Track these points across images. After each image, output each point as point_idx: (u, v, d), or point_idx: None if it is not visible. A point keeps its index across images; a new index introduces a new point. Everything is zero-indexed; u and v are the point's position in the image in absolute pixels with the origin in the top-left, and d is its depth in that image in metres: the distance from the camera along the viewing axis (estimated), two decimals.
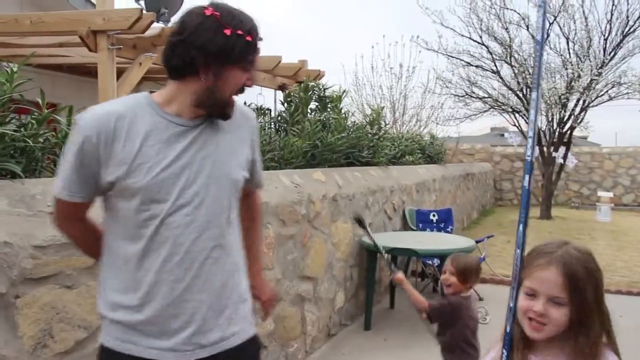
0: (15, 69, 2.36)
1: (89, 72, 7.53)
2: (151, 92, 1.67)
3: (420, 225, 6.81)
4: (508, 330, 1.42)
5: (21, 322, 2.04)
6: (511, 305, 1.41)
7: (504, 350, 1.42)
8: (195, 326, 1.60)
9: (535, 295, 1.36)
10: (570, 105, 12.72)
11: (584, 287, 1.33)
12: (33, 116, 2.45)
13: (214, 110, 1.61)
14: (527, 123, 12.08)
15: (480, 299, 5.92)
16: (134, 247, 1.58)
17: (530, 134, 1.46)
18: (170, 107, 1.61)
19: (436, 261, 5.88)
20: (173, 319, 1.59)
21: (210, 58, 1.54)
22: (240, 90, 1.64)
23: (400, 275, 3.14)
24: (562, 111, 12.67)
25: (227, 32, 1.53)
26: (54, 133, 2.60)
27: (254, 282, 1.93)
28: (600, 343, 1.35)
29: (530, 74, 12.18)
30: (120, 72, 4.87)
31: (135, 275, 1.59)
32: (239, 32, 1.54)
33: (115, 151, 1.54)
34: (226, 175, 1.67)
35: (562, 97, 12.27)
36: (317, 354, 4.39)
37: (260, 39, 1.61)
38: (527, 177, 1.50)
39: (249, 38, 1.56)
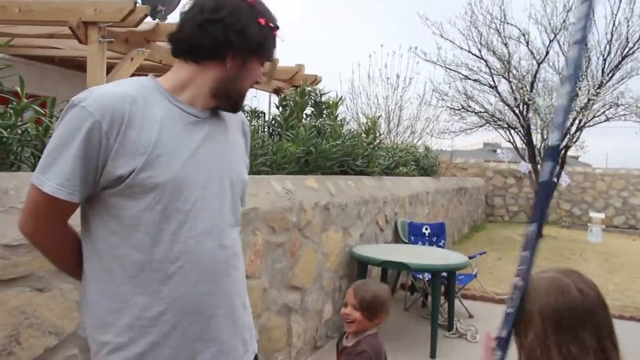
0: None
1: (80, 65, 7.37)
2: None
3: (412, 238, 6.69)
4: (504, 335, 1.33)
5: None
6: (510, 311, 1.30)
7: (499, 353, 1.34)
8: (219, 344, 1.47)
9: None
10: (567, 124, 12.66)
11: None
12: (11, 106, 2.29)
13: (227, 103, 1.48)
14: (522, 140, 12.03)
15: (470, 316, 5.81)
16: (142, 255, 1.37)
17: (560, 120, 1.29)
18: (182, 94, 1.44)
19: (427, 275, 5.76)
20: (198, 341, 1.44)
21: (244, 45, 1.41)
22: (252, 85, 1.53)
23: None
24: None
25: (262, 21, 1.42)
26: (36, 125, 2.46)
27: None
28: None
29: (528, 90, 12.14)
30: (110, 67, 4.73)
31: (146, 289, 1.38)
32: (270, 24, 1.45)
33: (130, 139, 1.32)
34: (239, 177, 1.55)
35: None
36: None
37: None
38: (549, 164, 1.28)
39: (275, 33, 1.48)
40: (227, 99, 1.47)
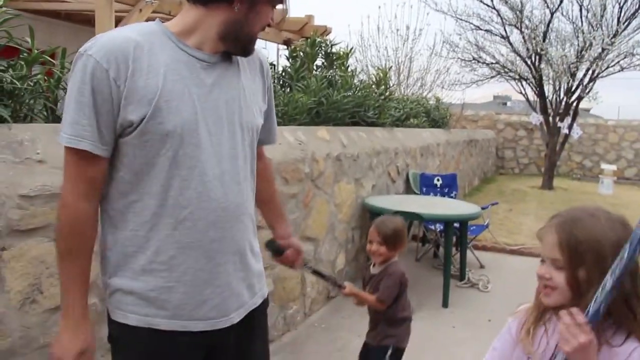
0: (0, 4, 2.16)
1: (87, 20, 7.29)
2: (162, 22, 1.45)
3: (424, 189, 6.69)
4: (602, 310, 1.24)
5: (8, 276, 1.93)
6: (609, 286, 1.23)
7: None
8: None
9: (544, 260, 1.37)
10: (579, 74, 12.46)
11: (581, 250, 1.28)
12: (22, 57, 2.27)
13: (236, 46, 1.44)
14: (533, 91, 11.88)
15: (482, 267, 5.86)
16: (155, 201, 1.37)
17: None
18: (190, 39, 1.39)
19: (439, 226, 5.78)
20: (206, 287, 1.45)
21: None
22: (263, 28, 1.48)
23: (349, 288, 2.62)
24: (571, 80, 12.42)
25: None
26: (45, 78, 2.43)
27: (283, 233, 1.89)
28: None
29: (541, 40, 11.89)
30: (119, 20, 4.66)
31: (155, 235, 1.38)
32: None
33: (138, 86, 1.30)
34: (251, 122, 1.51)
35: (572, 65, 12.00)
36: (316, 316, 4.31)
37: None
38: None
39: None
40: (236, 43, 1.43)
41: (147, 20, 4.70)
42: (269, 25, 1.50)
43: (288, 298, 3.90)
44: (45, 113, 2.47)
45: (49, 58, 2.35)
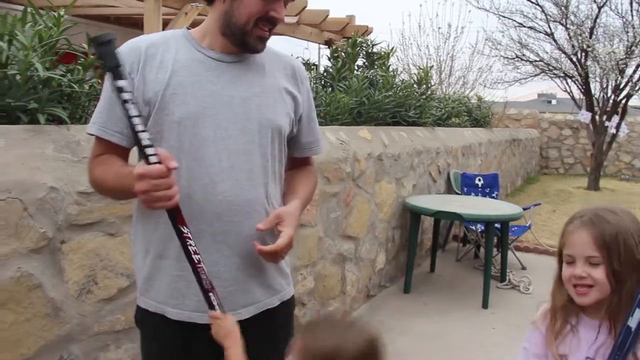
0: (62, 14, 2.29)
1: (135, 23, 7.52)
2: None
3: (465, 189, 6.66)
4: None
5: (67, 267, 2.04)
6: None
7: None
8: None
9: (574, 260, 1.41)
10: (629, 71, 12.09)
11: (615, 243, 1.36)
12: (79, 62, 2.40)
13: (235, 40, 1.47)
14: (579, 89, 11.50)
15: (523, 268, 5.80)
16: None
17: None
18: (205, 40, 1.50)
19: (480, 227, 5.76)
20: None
21: None
22: (269, 22, 1.46)
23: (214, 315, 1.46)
24: (619, 77, 12.07)
25: None
26: (100, 80, 2.56)
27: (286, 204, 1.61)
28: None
29: (587, 37, 11.59)
30: (166, 23, 4.81)
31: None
32: None
33: (148, 79, 1.43)
34: (270, 120, 1.52)
35: (620, 62, 11.67)
36: (356, 314, 4.36)
37: None
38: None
39: None
40: (233, 37, 1.46)
41: (193, 22, 4.84)
42: (274, 18, 1.46)
43: (328, 296, 3.96)
44: None
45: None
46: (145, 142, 1.26)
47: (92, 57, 2.42)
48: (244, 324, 1.47)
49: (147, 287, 1.53)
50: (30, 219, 1.90)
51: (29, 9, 2.27)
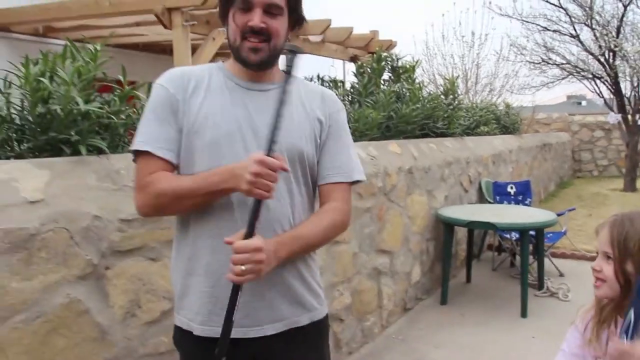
0: (98, 48, 2.40)
1: (163, 49, 7.71)
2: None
3: (498, 197, 6.61)
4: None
5: (111, 292, 2.11)
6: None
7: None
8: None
9: (598, 255, 1.50)
10: None
11: (629, 245, 1.41)
12: (115, 93, 2.49)
13: (237, 59, 1.56)
14: (609, 89, 11.29)
15: (561, 275, 5.72)
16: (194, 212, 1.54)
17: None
18: (234, 69, 1.60)
19: (514, 235, 5.70)
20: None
21: (222, 6, 1.55)
22: (253, 33, 1.49)
23: None
24: None
25: None
26: (134, 110, 2.64)
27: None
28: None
29: (614, 36, 11.42)
30: (194, 48, 4.93)
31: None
32: None
33: (192, 105, 1.53)
34: (294, 145, 1.56)
35: None
36: (393, 328, 4.36)
37: None
38: None
39: None
40: (235, 57, 1.57)
41: (221, 47, 4.95)
42: (255, 27, 1.48)
43: (365, 310, 3.98)
44: None
45: (139, 93, 2.57)
46: (276, 138, 1.41)
47: (127, 87, 2.51)
48: (270, 340, 1.53)
49: (180, 304, 1.61)
50: (76, 247, 1.98)
51: (68, 44, 2.38)
